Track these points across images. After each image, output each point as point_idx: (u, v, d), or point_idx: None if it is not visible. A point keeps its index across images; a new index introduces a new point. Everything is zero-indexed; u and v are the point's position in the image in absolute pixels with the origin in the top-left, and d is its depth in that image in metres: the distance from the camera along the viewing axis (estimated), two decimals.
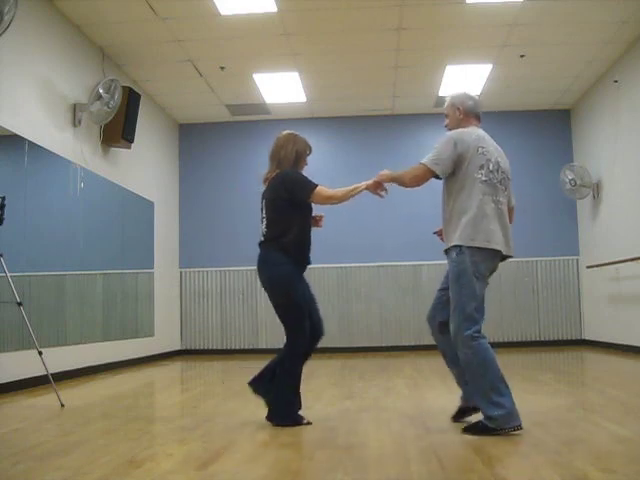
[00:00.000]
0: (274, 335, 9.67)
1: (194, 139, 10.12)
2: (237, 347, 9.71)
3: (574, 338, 9.46)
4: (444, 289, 3.54)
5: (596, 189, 8.79)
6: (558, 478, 2.41)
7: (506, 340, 9.45)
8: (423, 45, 7.49)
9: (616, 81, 7.91)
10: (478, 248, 3.34)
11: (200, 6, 6.41)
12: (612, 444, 2.98)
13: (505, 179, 3.53)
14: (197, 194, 10.02)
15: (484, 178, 3.39)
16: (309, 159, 3.97)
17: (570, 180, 8.89)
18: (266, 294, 3.72)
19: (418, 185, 3.50)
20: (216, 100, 9.16)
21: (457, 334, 3.31)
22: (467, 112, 3.61)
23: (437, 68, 8.15)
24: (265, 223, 3.75)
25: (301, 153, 3.85)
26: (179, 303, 9.87)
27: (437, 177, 3.43)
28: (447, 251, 3.44)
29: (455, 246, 3.36)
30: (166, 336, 9.24)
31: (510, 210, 3.68)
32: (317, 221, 3.88)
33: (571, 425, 3.47)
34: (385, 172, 3.58)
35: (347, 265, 9.67)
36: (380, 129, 9.86)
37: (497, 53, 7.68)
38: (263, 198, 3.85)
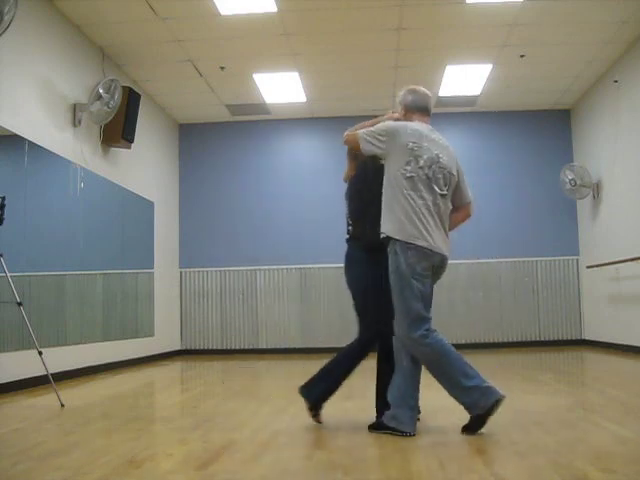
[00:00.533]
0: (274, 335, 9.68)
1: (194, 139, 10.12)
2: (237, 347, 9.71)
3: (574, 338, 9.46)
4: None
5: (596, 189, 8.79)
6: (558, 478, 2.41)
7: (506, 340, 9.46)
8: (423, 45, 7.49)
9: (616, 81, 7.91)
10: (407, 243, 3.28)
11: (200, 6, 6.41)
12: (612, 444, 2.98)
13: (445, 175, 3.39)
14: (197, 194, 10.02)
15: (409, 174, 3.32)
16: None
17: (570, 180, 8.89)
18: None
19: (348, 147, 3.56)
20: (216, 100, 9.16)
21: (406, 337, 3.32)
22: (407, 108, 3.58)
23: (437, 68, 8.15)
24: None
25: None
26: (179, 303, 9.87)
27: (358, 150, 3.47)
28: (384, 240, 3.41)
29: (388, 237, 3.33)
30: (166, 336, 9.24)
31: (464, 207, 3.58)
32: None
33: (571, 425, 3.47)
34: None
35: None
36: None
37: (497, 53, 7.69)
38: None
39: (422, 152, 3.35)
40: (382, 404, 3.48)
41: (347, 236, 3.71)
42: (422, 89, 3.65)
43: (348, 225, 3.70)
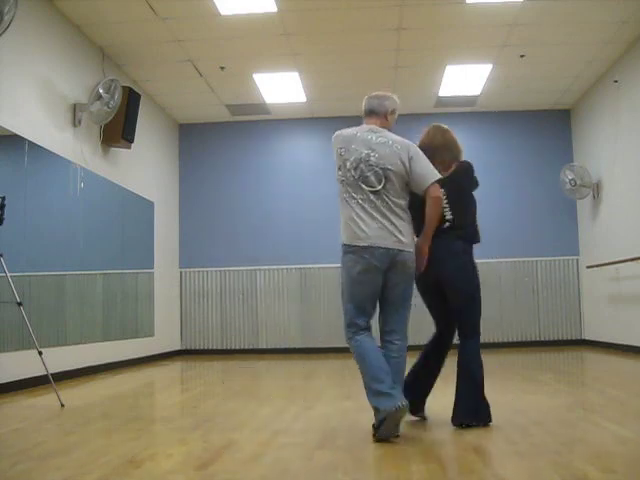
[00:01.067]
0: (274, 335, 9.68)
1: (194, 139, 10.12)
2: (237, 347, 9.71)
3: (574, 338, 9.46)
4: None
5: (596, 189, 8.79)
6: (558, 478, 2.41)
7: (506, 340, 9.46)
8: (423, 45, 7.49)
9: (616, 81, 7.91)
10: (348, 245, 3.46)
11: (200, 6, 6.41)
12: (612, 444, 2.98)
13: (377, 172, 3.39)
14: (197, 194, 10.02)
15: (341, 178, 3.47)
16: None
17: (570, 180, 8.89)
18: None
19: None
20: (216, 100, 9.16)
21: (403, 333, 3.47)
22: (365, 113, 3.75)
23: (437, 68, 8.15)
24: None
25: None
26: (179, 303, 9.87)
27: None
28: None
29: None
30: (166, 336, 9.24)
31: (427, 192, 3.46)
32: None
33: (571, 425, 3.47)
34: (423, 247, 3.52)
35: None
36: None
37: (497, 53, 7.69)
38: None
39: (349, 155, 3.46)
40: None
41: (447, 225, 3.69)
42: (375, 93, 3.84)
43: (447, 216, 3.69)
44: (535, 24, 6.92)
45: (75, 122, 6.64)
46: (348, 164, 3.43)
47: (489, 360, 7.98)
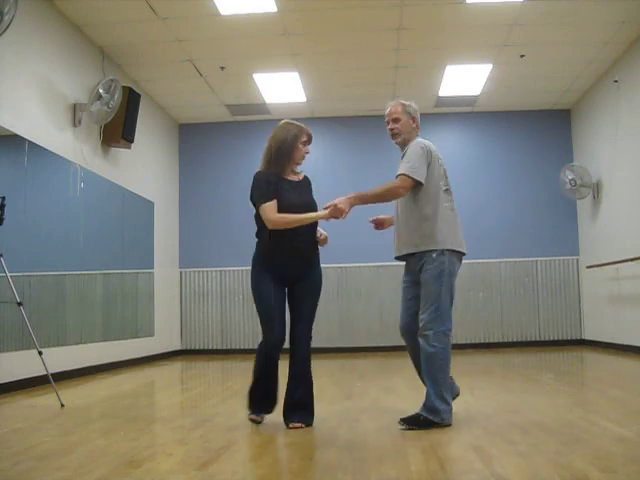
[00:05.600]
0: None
1: (194, 139, 10.12)
2: (237, 347, 9.71)
3: (574, 338, 9.46)
4: (415, 297, 3.64)
5: (596, 189, 8.79)
6: (558, 478, 2.41)
7: (506, 340, 9.46)
8: (423, 45, 7.50)
9: (616, 81, 7.91)
10: (454, 251, 3.55)
11: (200, 6, 6.41)
12: (612, 444, 2.98)
13: (449, 180, 3.71)
14: (197, 194, 10.01)
15: (445, 188, 3.59)
16: (307, 158, 3.92)
17: (570, 180, 8.89)
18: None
19: (401, 196, 3.59)
20: (216, 100, 9.16)
21: (430, 328, 3.47)
22: (418, 123, 3.74)
23: (437, 68, 8.16)
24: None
25: (289, 143, 3.69)
26: (179, 303, 9.87)
27: (420, 183, 3.54)
28: (412, 256, 3.59)
29: (433, 250, 3.52)
30: (166, 336, 9.24)
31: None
32: (321, 240, 3.75)
33: (571, 425, 3.47)
34: (341, 199, 3.49)
35: (347, 265, 9.67)
36: (380, 129, 9.69)
37: (497, 53, 7.69)
38: None
39: (444, 165, 3.65)
40: None
41: None
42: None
43: None
44: (535, 24, 6.92)
45: (75, 122, 6.65)
46: (447, 174, 3.64)
47: (489, 360, 8.00)
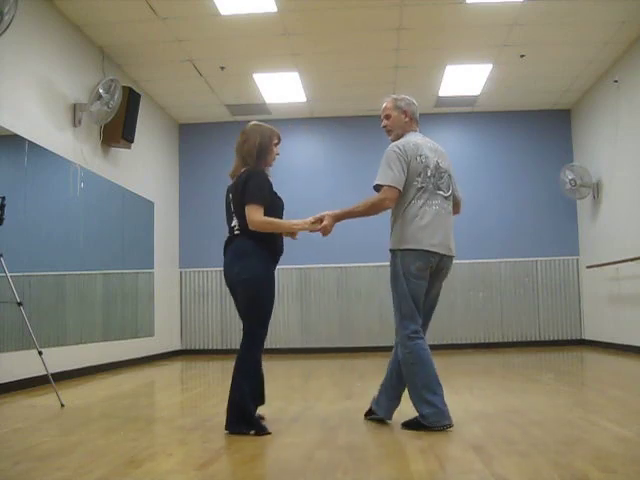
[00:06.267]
0: (274, 335, 9.67)
1: (194, 139, 10.12)
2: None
3: (574, 338, 9.46)
4: None
5: (596, 189, 8.79)
6: (558, 478, 2.41)
7: (506, 340, 9.46)
8: (423, 45, 7.49)
9: (616, 81, 7.91)
10: (409, 250, 3.43)
11: (200, 6, 6.41)
12: (612, 444, 2.98)
13: (446, 178, 3.57)
14: (197, 194, 10.01)
15: (420, 185, 3.46)
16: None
17: (570, 180, 8.89)
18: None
19: (389, 208, 3.52)
20: (216, 100, 9.16)
21: (397, 334, 3.49)
22: (412, 116, 3.67)
23: (437, 68, 8.16)
24: (236, 218, 3.59)
25: (265, 145, 3.68)
26: (179, 303, 9.87)
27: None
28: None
29: (390, 250, 3.51)
30: (166, 336, 9.24)
31: (457, 203, 3.71)
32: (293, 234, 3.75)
33: (571, 425, 3.47)
34: (328, 213, 3.57)
35: (347, 265, 9.67)
36: (380, 129, 9.80)
37: (497, 53, 7.68)
38: (229, 192, 3.73)
39: (428, 162, 3.50)
40: None
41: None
42: (409, 97, 3.78)
43: None
44: (535, 24, 6.92)
45: (75, 122, 6.64)
46: (429, 171, 3.49)
47: (489, 360, 8.00)
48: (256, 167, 3.65)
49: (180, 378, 7.33)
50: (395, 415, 3.60)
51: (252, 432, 3.34)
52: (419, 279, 3.44)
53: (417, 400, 3.37)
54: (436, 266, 3.48)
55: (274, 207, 3.60)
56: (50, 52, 6.28)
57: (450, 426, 3.32)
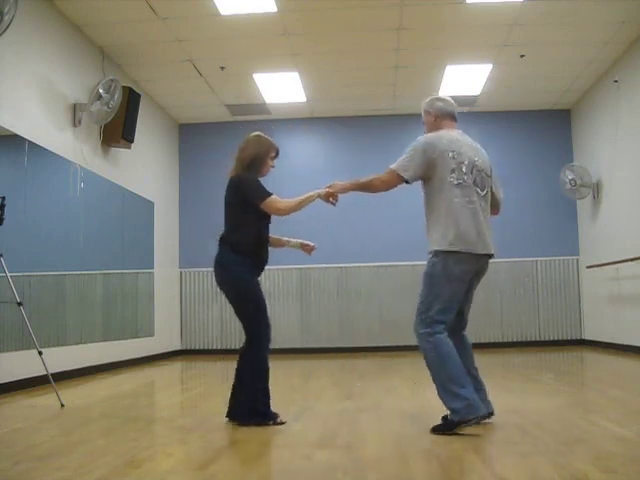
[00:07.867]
0: (274, 335, 9.66)
1: (194, 139, 10.12)
2: (237, 347, 9.66)
3: (574, 338, 9.46)
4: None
5: (596, 189, 8.79)
6: (558, 478, 2.41)
7: (506, 340, 9.46)
8: (423, 45, 7.49)
9: (616, 81, 7.91)
10: (454, 252, 3.39)
11: (200, 6, 6.41)
12: (612, 444, 2.98)
13: (484, 177, 3.54)
14: (197, 194, 10.00)
15: (456, 182, 3.42)
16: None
17: (570, 180, 8.89)
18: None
19: (387, 190, 3.55)
20: (216, 100, 9.16)
21: (415, 330, 3.44)
22: (438, 113, 3.64)
23: (437, 68, 8.16)
24: (224, 223, 3.77)
25: (261, 157, 3.79)
26: (179, 303, 9.87)
27: (407, 182, 3.49)
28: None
29: (434, 250, 3.45)
30: (166, 336, 9.24)
31: (496, 204, 3.70)
32: (308, 250, 4.01)
33: (571, 425, 3.47)
34: (338, 183, 3.65)
35: (347, 265, 9.67)
36: (380, 129, 9.85)
37: (497, 53, 7.68)
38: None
39: (463, 159, 3.46)
40: None
41: None
42: (443, 97, 3.75)
43: None
44: (535, 24, 6.92)
45: (75, 122, 6.64)
46: (464, 168, 3.44)
47: (489, 360, 8.02)
48: (239, 173, 3.79)
49: (180, 378, 7.33)
50: (393, 415, 3.60)
51: (270, 422, 3.54)
52: (461, 282, 3.43)
53: (446, 396, 3.29)
54: (479, 267, 3.51)
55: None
56: (50, 52, 6.28)
57: (489, 414, 3.26)
